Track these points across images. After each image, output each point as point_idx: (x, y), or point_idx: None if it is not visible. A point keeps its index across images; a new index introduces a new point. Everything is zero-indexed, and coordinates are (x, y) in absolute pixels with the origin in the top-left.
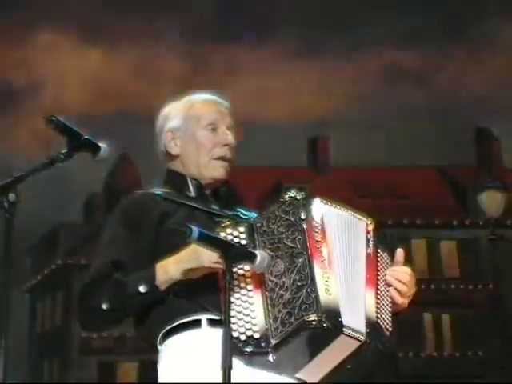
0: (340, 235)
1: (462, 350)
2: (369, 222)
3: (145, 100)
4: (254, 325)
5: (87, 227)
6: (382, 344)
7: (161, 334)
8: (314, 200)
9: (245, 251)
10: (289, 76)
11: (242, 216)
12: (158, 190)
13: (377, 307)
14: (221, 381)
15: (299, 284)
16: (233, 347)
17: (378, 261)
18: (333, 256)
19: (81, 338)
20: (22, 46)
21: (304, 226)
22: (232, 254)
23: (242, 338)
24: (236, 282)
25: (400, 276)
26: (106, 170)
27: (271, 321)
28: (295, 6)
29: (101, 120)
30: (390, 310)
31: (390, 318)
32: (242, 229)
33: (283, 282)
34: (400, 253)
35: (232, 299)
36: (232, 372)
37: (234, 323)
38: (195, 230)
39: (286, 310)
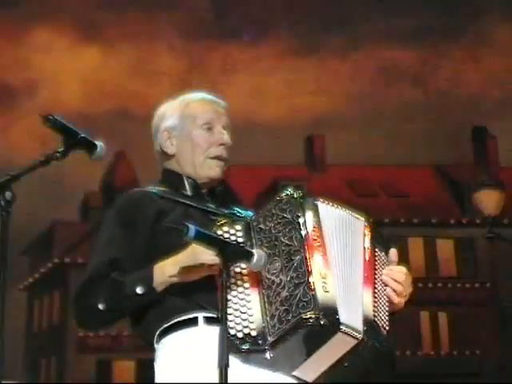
0: (337, 234)
1: (459, 348)
2: (366, 222)
3: (142, 99)
4: (251, 322)
5: (84, 226)
6: (380, 343)
7: (157, 333)
8: (311, 198)
9: (242, 250)
10: (286, 75)
11: (238, 215)
12: (155, 189)
13: (374, 306)
14: (217, 379)
15: (296, 282)
16: (230, 345)
17: (375, 260)
18: (330, 254)
19: (78, 337)
20: (18, 44)
21: (301, 224)
22: (229, 252)
23: (239, 335)
24: (233, 280)
25: (396, 275)
26: (102, 169)
27: (268, 318)
28: (292, 4)
29: (98, 119)
30: (387, 309)
31: (387, 317)
32: (238, 227)
33: (280, 280)
34: (393, 253)
35: (229, 297)
36: (229, 370)
37: (231, 321)
38: (192, 228)
39: (284, 308)
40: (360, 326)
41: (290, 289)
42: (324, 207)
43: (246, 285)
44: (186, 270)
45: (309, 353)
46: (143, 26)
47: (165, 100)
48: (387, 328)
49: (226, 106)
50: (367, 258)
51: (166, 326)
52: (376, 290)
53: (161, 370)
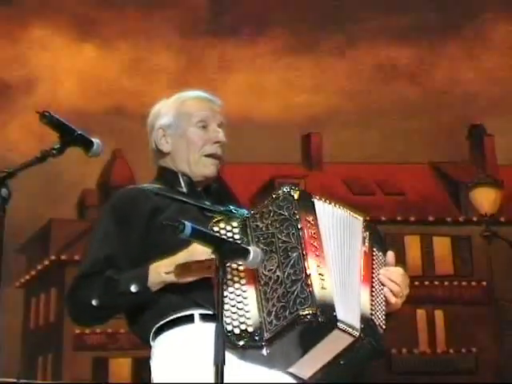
0: (335, 231)
1: (455, 346)
2: (365, 222)
3: (139, 97)
4: (248, 318)
5: (81, 223)
6: (376, 341)
7: (153, 330)
8: (309, 196)
9: (238, 247)
10: (283, 73)
11: (233, 212)
12: (150, 186)
13: (371, 304)
14: (213, 376)
15: (293, 278)
16: (226, 341)
17: (373, 259)
18: (327, 251)
19: (74, 334)
20: (15, 42)
21: (298, 221)
22: (225, 250)
23: (236, 331)
24: (229, 276)
25: (393, 276)
26: (99, 167)
27: (265, 315)
28: (289, 2)
29: (95, 116)
30: (384, 308)
31: (384, 316)
32: (235, 224)
33: (277, 277)
34: (391, 255)
35: (225, 293)
36: (225, 367)
37: (227, 317)
38: (188, 225)
39: (281, 304)
40: (357, 323)
41: (287, 285)
42: (321, 205)
43: (243, 281)
44: (181, 270)
45: (305, 349)
46: (141, 24)
47: (162, 98)
48: (384, 327)
49: (221, 105)
50: (365, 257)
51: (161, 323)
52: (373, 289)
53: (157, 368)
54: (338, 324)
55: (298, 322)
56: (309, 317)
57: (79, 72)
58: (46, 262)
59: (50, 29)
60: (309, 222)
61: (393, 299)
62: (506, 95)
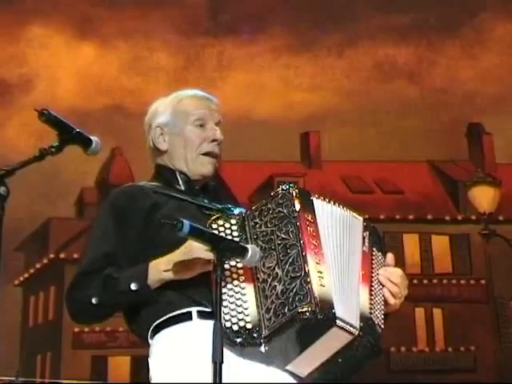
0: (334, 230)
1: (454, 345)
2: (365, 222)
3: (138, 95)
4: (247, 315)
5: (80, 222)
6: (375, 340)
7: (151, 328)
8: (307, 194)
9: (236, 245)
10: (282, 71)
11: (231, 210)
12: (148, 184)
13: (371, 303)
14: (212, 374)
15: (292, 275)
16: (224, 338)
17: (372, 259)
18: (326, 249)
19: (73, 333)
20: (14, 40)
21: (297, 219)
22: (223, 248)
23: (235, 328)
24: (228, 273)
25: (392, 276)
26: (98, 165)
27: (264, 312)
28: (288, 1)
29: (94, 115)
30: (382, 307)
31: (382, 316)
32: (233, 221)
33: (276, 274)
34: (391, 257)
35: (224, 290)
36: (223, 365)
37: (226, 313)
38: (186, 223)
39: (280, 301)
40: (356, 321)
41: (286, 282)
42: (320, 203)
43: (242, 278)
44: (180, 267)
45: (304, 347)
46: (140, 23)
47: (161, 96)
48: (382, 326)
49: (219, 103)
50: (365, 257)
51: (159, 321)
52: (372, 289)
53: (155, 365)
54: (337, 321)
55: (297, 318)
56: (308, 314)
57: (78, 70)
58: (45, 261)
59: (49, 27)
60: (308, 219)
61: (392, 300)
62: (504, 94)
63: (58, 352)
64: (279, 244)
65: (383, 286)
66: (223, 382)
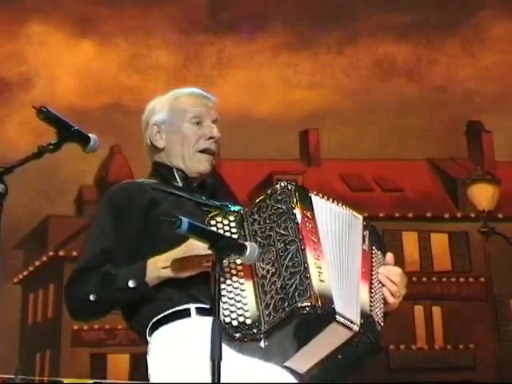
0: (333, 227)
1: (453, 343)
2: (365, 221)
3: (137, 93)
4: (246, 311)
5: (79, 219)
6: (375, 338)
7: (150, 325)
8: (306, 191)
9: (234, 243)
10: (281, 69)
11: (229, 206)
12: (146, 181)
13: (371, 301)
14: (210, 371)
15: (292, 270)
16: (224, 333)
17: (372, 258)
18: (325, 246)
19: (72, 330)
20: (13, 38)
21: (296, 215)
22: (221, 245)
23: (234, 323)
24: (227, 269)
25: (391, 275)
26: (97, 163)
27: (263, 307)
28: None
29: (93, 113)
30: (382, 306)
31: (382, 314)
32: (232, 218)
33: (275, 269)
34: (390, 257)
35: (223, 286)
36: (222, 361)
37: (225, 309)
38: (185, 221)
39: (279, 296)
40: (356, 318)
41: (286, 277)
42: (318, 200)
43: (240, 274)
44: (179, 265)
45: (303, 343)
46: (139, 21)
47: (160, 94)
48: (382, 324)
49: (216, 101)
50: (365, 255)
51: (158, 317)
52: (372, 286)
53: (153, 363)
54: (337, 317)
55: (297, 313)
56: (307, 309)
57: (77, 68)
58: (44, 258)
59: (49, 25)
60: (306, 216)
61: (391, 299)
62: (504, 92)
63: (57, 350)
64: (278, 240)
65: (383, 284)
66: (222, 379)
